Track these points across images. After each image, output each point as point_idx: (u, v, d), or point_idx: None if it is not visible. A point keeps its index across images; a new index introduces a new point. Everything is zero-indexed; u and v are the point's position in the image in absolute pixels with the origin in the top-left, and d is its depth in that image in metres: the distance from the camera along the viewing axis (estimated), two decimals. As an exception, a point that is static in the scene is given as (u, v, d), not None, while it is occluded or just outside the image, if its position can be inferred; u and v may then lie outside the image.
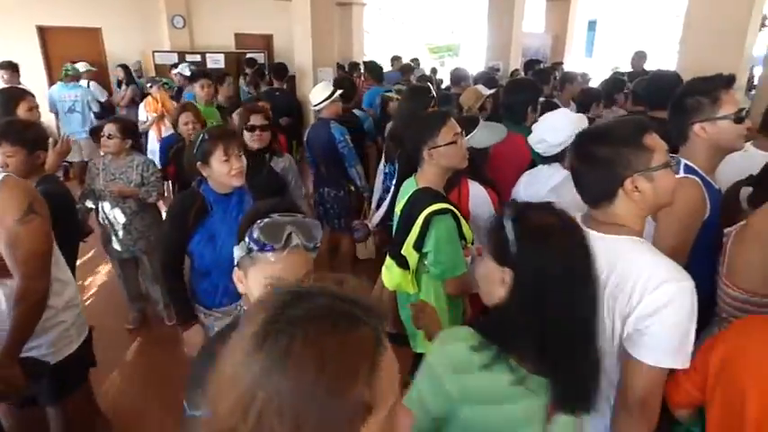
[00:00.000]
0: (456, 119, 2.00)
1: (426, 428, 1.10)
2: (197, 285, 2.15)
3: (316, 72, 6.14)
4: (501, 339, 1.02)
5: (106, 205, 3.31)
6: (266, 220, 1.12)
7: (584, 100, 4.28)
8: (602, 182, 1.21)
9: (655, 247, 1.23)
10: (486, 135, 2.25)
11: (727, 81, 1.75)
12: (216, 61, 9.03)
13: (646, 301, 1.14)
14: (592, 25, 18.20)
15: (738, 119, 1.71)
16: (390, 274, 2.00)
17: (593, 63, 13.13)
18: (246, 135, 2.96)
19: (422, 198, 1.87)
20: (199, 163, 2.02)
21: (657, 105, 2.93)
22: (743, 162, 2.07)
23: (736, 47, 3.10)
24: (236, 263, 1.18)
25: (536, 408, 1.02)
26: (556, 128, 2.11)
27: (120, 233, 3.36)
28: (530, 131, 2.25)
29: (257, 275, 1.12)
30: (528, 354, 1.00)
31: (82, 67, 6.89)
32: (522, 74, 6.40)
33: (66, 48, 8.56)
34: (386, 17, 23.15)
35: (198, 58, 9.01)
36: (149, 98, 5.65)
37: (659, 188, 1.21)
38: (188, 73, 6.79)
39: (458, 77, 6.57)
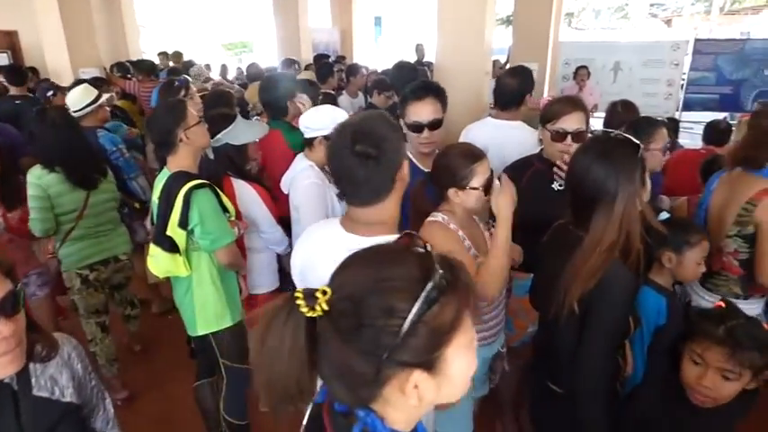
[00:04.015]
0: (213, 115, 2.19)
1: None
2: None
3: (77, 74, 5.30)
4: (47, 160, 2.48)
5: None
6: None
7: (369, 89, 4.59)
8: (387, 174, 1.23)
9: None
10: (243, 131, 2.26)
11: (421, 93, 2.05)
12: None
13: None
14: (378, 21, 19.49)
15: (415, 128, 2.05)
16: (157, 262, 1.97)
17: (381, 56, 14.07)
18: None
19: (177, 179, 1.91)
20: None
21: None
22: (481, 131, 2.58)
23: (477, 38, 3.61)
24: None
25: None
26: (315, 116, 2.20)
27: None
28: (290, 126, 2.28)
29: None
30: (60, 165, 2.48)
31: None
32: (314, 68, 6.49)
33: None
34: (174, 12, 21.45)
35: None
36: None
37: (405, 178, 1.31)
38: None
39: (253, 74, 6.40)
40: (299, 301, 0.68)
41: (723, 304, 1.44)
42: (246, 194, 2.24)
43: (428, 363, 0.69)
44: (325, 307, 0.67)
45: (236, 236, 2.02)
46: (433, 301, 0.66)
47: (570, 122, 1.97)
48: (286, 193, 2.28)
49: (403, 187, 1.29)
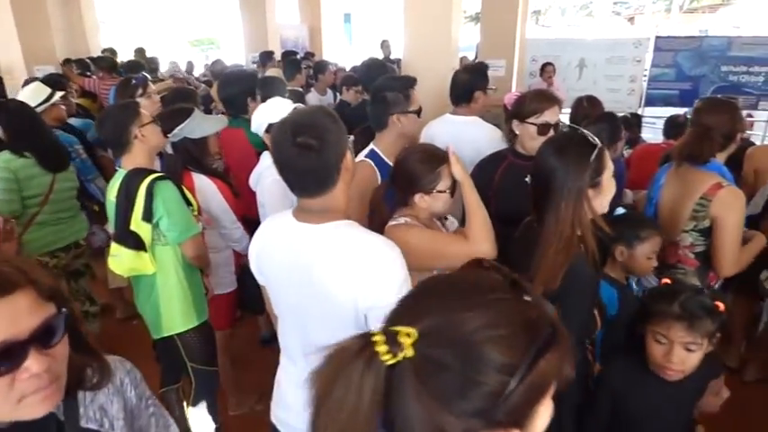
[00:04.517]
0: (170, 111, 2.22)
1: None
2: None
3: (31, 71, 5.08)
4: (16, 146, 2.55)
5: None
6: None
7: (339, 86, 4.57)
8: (331, 163, 1.24)
9: (363, 227, 1.32)
10: (200, 124, 2.24)
11: (413, 82, 2.15)
12: None
13: (372, 275, 1.20)
14: (347, 17, 19.38)
15: (419, 113, 2.12)
16: (121, 262, 1.93)
17: (351, 53, 14.01)
18: None
19: (136, 174, 1.89)
20: None
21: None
22: (439, 128, 2.61)
23: (444, 35, 3.62)
24: None
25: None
26: (259, 115, 2.21)
27: None
28: (248, 123, 2.28)
29: None
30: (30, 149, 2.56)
31: None
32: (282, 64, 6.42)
33: None
34: (137, 8, 20.89)
35: None
36: None
37: (353, 161, 1.33)
38: None
39: (218, 71, 6.31)
40: (378, 348, 0.56)
41: (669, 280, 1.50)
42: (206, 188, 2.22)
43: (523, 421, 0.59)
44: (411, 352, 0.56)
45: (200, 230, 2.00)
46: (541, 355, 0.57)
47: (552, 115, 2.06)
48: (254, 190, 2.26)
49: (350, 177, 1.31)
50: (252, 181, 2.29)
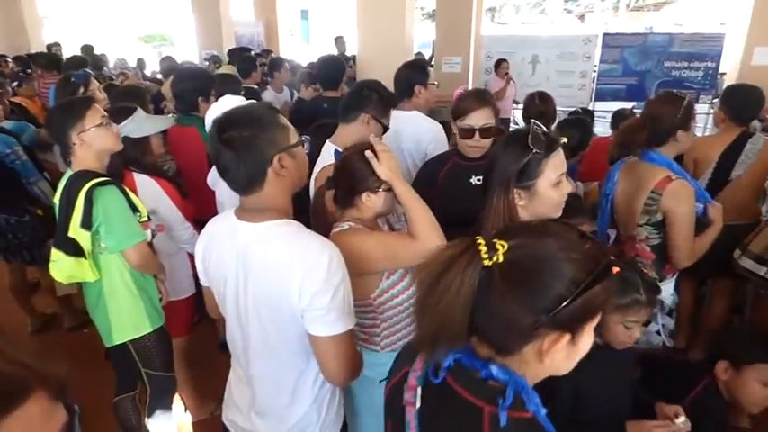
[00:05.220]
0: (114, 109, 2.10)
1: None
2: None
3: (-34, 69, 4.78)
4: None
5: None
6: None
7: (296, 83, 4.50)
8: (252, 164, 1.20)
9: (304, 227, 1.29)
10: (142, 123, 2.17)
11: (396, 104, 2.18)
12: None
13: (307, 276, 1.18)
14: (305, 14, 19.13)
15: (385, 130, 2.10)
16: (60, 268, 1.85)
17: (308, 50, 13.86)
18: None
19: (78, 178, 1.81)
20: None
21: (330, 87, 3.25)
22: (395, 124, 2.51)
23: (397, 32, 3.64)
24: None
25: None
26: (209, 114, 2.17)
27: None
28: (201, 121, 2.21)
29: None
30: None
31: None
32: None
33: None
34: (83, 2, 20.00)
35: None
36: None
37: (299, 164, 1.30)
38: None
39: (167, 68, 6.11)
40: (481, 247, 0.74)
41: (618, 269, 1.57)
42: (149, 189, 2.14)
43: (575, 330, 0.77)
44: (501, 259, 0.74)
45: (148, 237, 1.92)
46: (598, 280, 0.75)
47: (477, 118, 1.99)
48: (213, 189, 2.22)
49: (290, 180, 1.28)
50: (210, 179, 2.23)
